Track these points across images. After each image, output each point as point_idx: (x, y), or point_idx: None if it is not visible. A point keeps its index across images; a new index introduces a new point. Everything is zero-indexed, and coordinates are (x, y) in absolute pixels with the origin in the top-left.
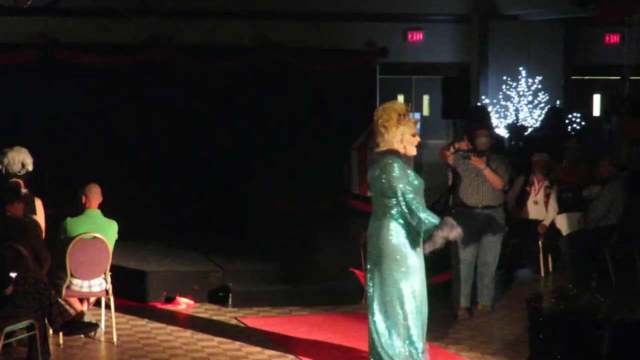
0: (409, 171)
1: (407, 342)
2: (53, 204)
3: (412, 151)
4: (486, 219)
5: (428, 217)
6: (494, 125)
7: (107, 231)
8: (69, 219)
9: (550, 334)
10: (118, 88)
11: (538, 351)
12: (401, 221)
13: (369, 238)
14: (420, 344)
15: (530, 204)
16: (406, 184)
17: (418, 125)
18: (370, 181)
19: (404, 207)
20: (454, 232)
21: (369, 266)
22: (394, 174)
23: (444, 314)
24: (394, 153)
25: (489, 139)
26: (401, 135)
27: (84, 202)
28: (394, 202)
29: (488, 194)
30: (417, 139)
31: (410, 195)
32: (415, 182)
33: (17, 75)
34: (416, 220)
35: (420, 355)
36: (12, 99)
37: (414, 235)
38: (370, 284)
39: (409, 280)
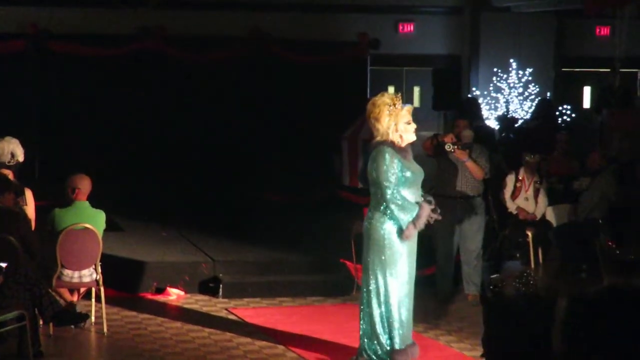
0: (396, 161)
1: (392, 333)
2: (43, 194)
3: (410, 138)
4: (465, 208)
5: (404, 219)
6: (484, 116)
7: (96, 222)
8: (57, 210)
9: (502, 316)
10: (110, 79)
11: (490, 333)
12: (387, 212)
13: (363, 229)
14: (404, 333)
15: (521, 200)
16: (392, 176)
17: (406, 110)
18: (362, 173)
19: (387, 200)
20: (421, 220)
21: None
22: (381, 167)
23: (434, 306)
24: (386, 144)
25: (472, 132)
26: (395, 126)
27: (73, 193)
28: (381, 192)
29: (467, 184)
30: (413, 125)
31: (390, 192)
32: (408, 174)
33: (8, 66)
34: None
35: (403, 344)
36: (3, 89)
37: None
38: (363, 275)
39: (397, 270)
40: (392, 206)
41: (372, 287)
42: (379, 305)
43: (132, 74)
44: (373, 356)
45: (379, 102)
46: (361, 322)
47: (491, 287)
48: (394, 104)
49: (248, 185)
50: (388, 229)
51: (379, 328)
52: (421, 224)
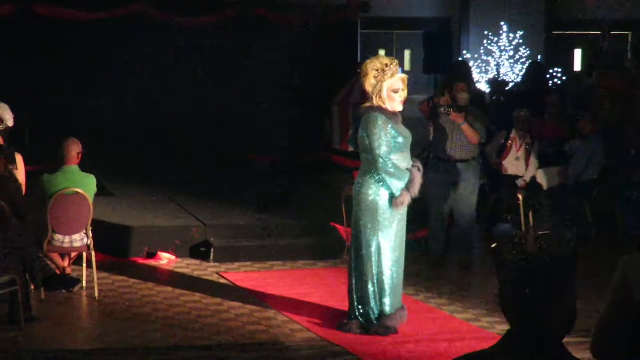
0: (389, 127)
1: (384, 297)
2: (34, 159)
3: (395, 107)
4: (460, 172)
5: (397, 186)
6: (475, 80)
7: (86, 186)
8: (46, 175)
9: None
10: (98, 42)
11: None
12: (378, 177)
13: (354, 193)
14: (394, 297)
15: (511, 159)
16: (384, 145)
17: (399, 79)
18: (353, 136)
19: (379, 168)
20: (415, 187)
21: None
22: (373, 135)
23: (425, 269)
24: (376, 110)
25: (469, 95)
26: (379, 92)
27: (62, 158)
28: (373, 160)
29: (462, 147)
30: (399, 95)
31: (382, 162)
32: (400, 140)
33: None
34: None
35: (393, 309)
36: None
37: (386, 190)
38: (354, 240)
39: (388, 236)
40: (384, 174)
41: (364, 252)
42: (371, 270)
43: (119, 37)
44: (363, 320)
45: (367, 65)
46: (353, 286)
47: (494, 248)
48: (382, 69)
49: (237, 149)
50: (380, 195)
51: (370, 292)
52: (415, 190)
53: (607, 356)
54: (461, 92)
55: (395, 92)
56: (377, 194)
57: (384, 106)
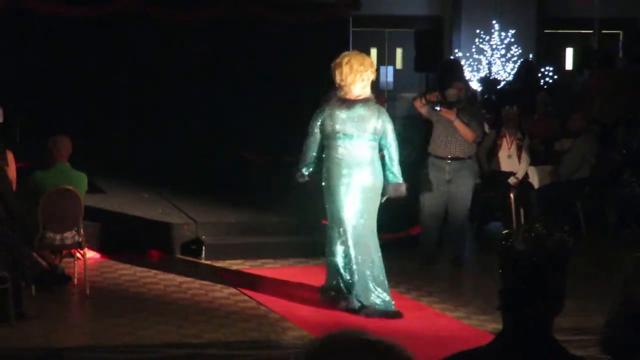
0: (323, 114)
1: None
2: (24, 156)
3: (344, 94)
4: (454, 170)
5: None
6: (466, 78)
7: (78, 184)
8: (38, 172)
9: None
10: (89, 39)
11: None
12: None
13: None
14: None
15: (502, 157)
16: (310, 128)
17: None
18: None
19: None
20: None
21: None
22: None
23: (415, 267)
24: (327, 100)
25: (458, 91)
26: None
27: (53, 155)
28: None
29: (457, 145)
30: (349, 88)
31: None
32: (329, 123)
33: None
34: None
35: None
36: None
37: (336, 172)
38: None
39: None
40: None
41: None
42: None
43: (111, 34)
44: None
45: (336, 59)
46: (365, 274)
47: (502, 241)
48: (334, 65)
49: (227, 146)
50: (328, 181)
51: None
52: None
53: (619, 351)
54: (450, 89)
55: (342, 83)
56: (327, 180)
57: (342, 95)
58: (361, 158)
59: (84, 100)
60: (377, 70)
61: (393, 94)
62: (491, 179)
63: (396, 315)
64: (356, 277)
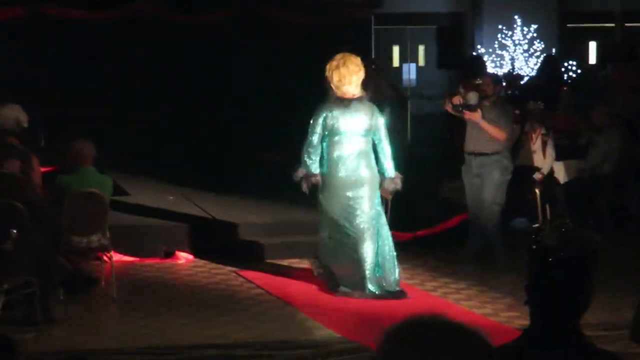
0: (323, 114)
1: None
2: (49, 160)
3: (342, 93)
4: (480, 165)
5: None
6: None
7: (102, 187)
8: (62, 176)
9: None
10: (108, 42)
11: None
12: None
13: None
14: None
15: (527, 152)
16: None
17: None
18: None
19: None
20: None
21: None
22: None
23: (441, 264)
24: (328, 99)
25: (481, 90)
26: (330, 84)
27: (77, 159)
28: None
29: (482, 142)
30: (341, 86)
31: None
32: (330, 121)
33: (8, 32)
34: None
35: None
36: (4, 56)
37: (334, 167)
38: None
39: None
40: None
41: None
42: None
43: (130, 37)
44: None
45: (331, 62)
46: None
47: (532, 237)
48: (330, 66)
49: (246, 146)
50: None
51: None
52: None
53: None
54: (470, 92)
55: (339, 84)
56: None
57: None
58: (358, 153)
59: (107, 103)
60: (400, 68)
61: (417, 91)
62: (516, 175)
63: (402, 294)
64: (367, 265)
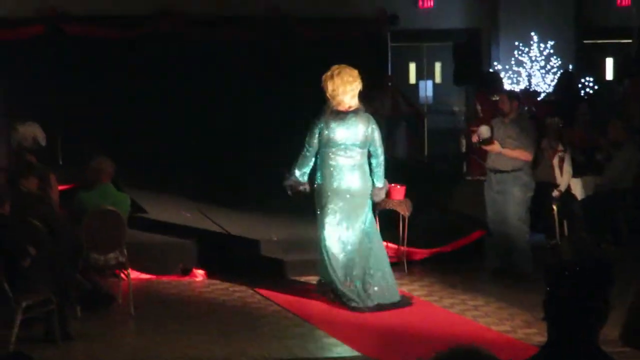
0: (320, 123)
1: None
2: (67, 178)
3: (337, 106)
4: (499, 182)
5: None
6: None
7: (120, 205)
8: (81, 193)
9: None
10: (127, 60)
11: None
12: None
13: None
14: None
15: (545, 168)
16: (309, 138)
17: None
18: None
19: None
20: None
21: None
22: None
23: (459, 280)
24: (324, 110)
25: (488, 127)
26: (326, 94)
27: (95, 176)
28: None
29: (502, 159)
30: (338, 99)
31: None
32: (326, 133)
33: (28, 50)
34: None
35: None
36: (24, 74)
37: (329, 178)
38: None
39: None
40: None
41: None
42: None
43: (149, 55)
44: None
45: (327, 72)
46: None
47: (549, 252)
48: (326, 78)
49: (265, 164)
50: (321, 185)
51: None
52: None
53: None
54: (481, 126)
55: (333, 94)
56: (319, 185)
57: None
58: (352, 164)
59: (125, 121)
60: (417, 85)
61: (433, 108)
62: (534, 191)
63: (406, 301)
64: (362, 277)
